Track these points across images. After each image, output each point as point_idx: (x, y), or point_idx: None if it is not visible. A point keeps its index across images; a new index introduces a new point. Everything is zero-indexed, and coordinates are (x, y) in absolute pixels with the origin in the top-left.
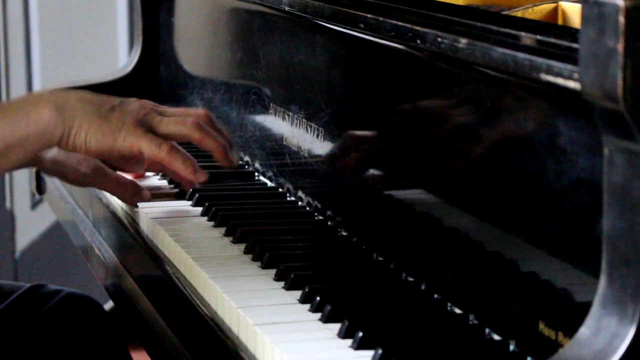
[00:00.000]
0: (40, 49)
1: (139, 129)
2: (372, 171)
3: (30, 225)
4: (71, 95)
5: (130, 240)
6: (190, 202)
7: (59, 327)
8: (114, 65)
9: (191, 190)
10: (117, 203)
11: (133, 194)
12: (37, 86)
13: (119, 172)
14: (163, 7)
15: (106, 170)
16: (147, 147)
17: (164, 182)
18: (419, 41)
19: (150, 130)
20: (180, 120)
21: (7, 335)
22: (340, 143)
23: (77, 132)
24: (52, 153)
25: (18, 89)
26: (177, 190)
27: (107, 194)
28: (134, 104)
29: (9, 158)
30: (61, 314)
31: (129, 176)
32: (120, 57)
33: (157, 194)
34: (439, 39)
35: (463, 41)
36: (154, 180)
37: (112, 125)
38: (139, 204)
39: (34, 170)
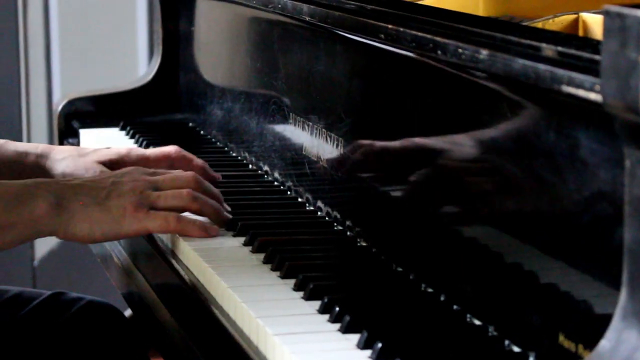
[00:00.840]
0: (60, 58)
1: (139, 212)
2: (392, 182)
3: None
4: (67, 186)
5: (149, 249)
6: None
7: (80, 334)
8: (133, 74)
9: None
10: None
11: None
12: (56, 95)
13: None
14: (183, 16)
15: (112, 162)
16: (155, 226)
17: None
18: (439, 52)
19: (150, 207)
20: (176, 194)
21: (28, 342)
22: (359, 153)
23: (78, 225)
24: (62, 167)
25: (38, 98)
26: None
27: None
28: (127, 184)
29: (3, 238)
30: (82, 322)
31: None
32: (140, 66)
33: None
34: (460, 50)
35: (484, 52)
36: None
37: (113, 215)
38: None
39: None
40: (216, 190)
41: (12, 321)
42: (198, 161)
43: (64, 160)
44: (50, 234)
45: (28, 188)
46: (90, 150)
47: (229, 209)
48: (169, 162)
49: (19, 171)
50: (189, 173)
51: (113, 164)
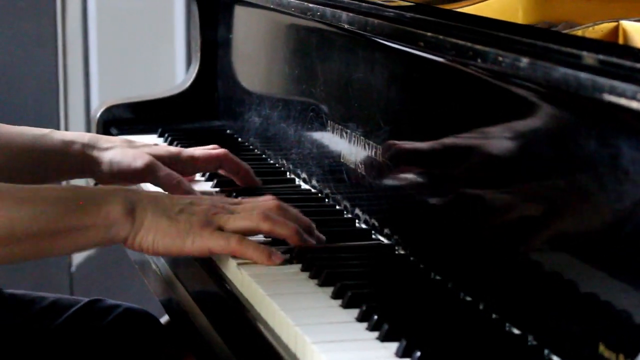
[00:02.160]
0: (98, 65)
1: (205, 230)
2: (430, 189)
3: None
4: (143, 195)
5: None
6: None
7: (118, 342)
8: (170, 81)
9: None
10: None
11: (183, 173)
12: (94, 102)
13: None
14: (221, 23)
15: (159, 166)
16: (216, 246)
17: (215, 189)
18: (479, 60)
19: (218, 228)
20: (246, 215)
21: (66, 349)
22: (397, 161)
23: (144, 235)
24: (109, 155)
25: (76, 105)
26: None
27: None
28: (204, 204)
29: (69, 240)
30: (120, 329)
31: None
32: (177, 73)
33: None
34: (500, 58)
35: (524, 60)
36: (203, 185)
37: (179, 229)
38: None
39: (92, 184)
40: (305, 219)
41: (50, 328)
42: (244, 166)
43: (112, 148)
44: (122, 241)
45: (104, 191)
46: (140, 143)
47: (323, 237)
48: (217, 165)
49: (66, 160)
50: (272, 202)
51: (162, 161)
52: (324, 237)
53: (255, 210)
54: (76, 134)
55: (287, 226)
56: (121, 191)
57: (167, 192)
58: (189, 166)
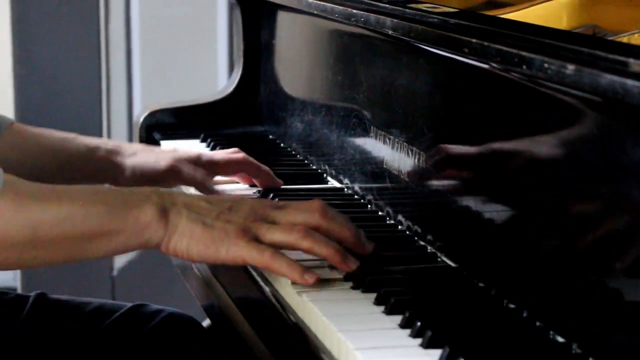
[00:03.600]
0: (140, 70)
1: (241, 239)
2: (474, 196)
3: None
4: (179, 199)
5: None
6: None
7: (161, 347)
8: (213, 86)
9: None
10: None
11: (207, 189)
12: (137, 106)
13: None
14: (264, 29)
15: (182, 167)
16: (249, 257)
17: (250, 191)
18: (524, 67)
19: (255, 238)
20: (286, 229)
21: (110, 354)
22: (441, 167)
23: (178, 240)
24: (132, 161)
25: (119, 109)
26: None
27: None
28: (244, 209)
29: (99, 245)
30: (163, 334)
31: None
32: (220, 78)
33: None
34: (546, 65)
35: (570, 67)
36: (239, 186)
37: (214, 237)
38: None
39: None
40: (352, 227)
41: (95, 333)
42: (264, 168)
43: (134, 155)
44: (156, 246)
45: (136, 193)
46: (160, 149)
47: (371, 246)
48: (236, 169)
49: (89, 165)
50: (316, 206)
51: (184, 165)
52: (372, 245)
53: (297, 224)
54: (100, 140)
55: (327, 246)
56: (154, 193)
57: (196, 184)
58: (209, 170)
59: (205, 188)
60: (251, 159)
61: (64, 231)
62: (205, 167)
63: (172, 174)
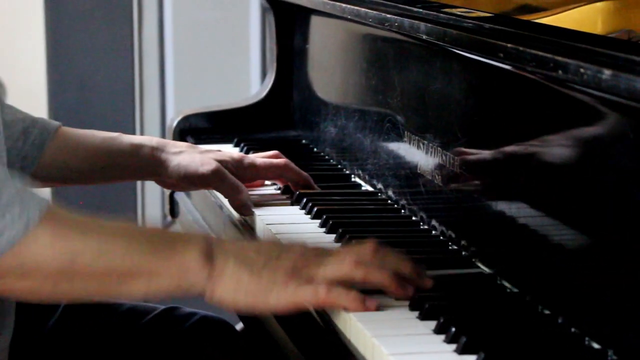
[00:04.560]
0: (174, 74)
1: (291, 284)
2: (508, 201)
3: None
4: (228, 246)
5: None
6: (305, 212)
7: (194, 349)
8: (245, 91)
9: (313, 206)
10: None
11: (242, 203)
12: (170, 111)
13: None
14: (298, 33)
15: (226, 173)
16: (303, 298)
17: (279, 191)
18: (560, 71)
19: (306, 281)
20: (337, 263)
21: (143, 356)
22: (475, 172)
23: (224, 289)
24: (178, 159)
25: (152, 114)
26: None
27: (240, 222)
28: (292, 257)
29: (138, 285)
30: (196, 336)
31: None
32: (252, 83)
33: (273, 203)
34: (582, 70)
35: (607, 72)
36: (269, 189)
37: (261, 286)
38: (255, 211)
39: (167, 193)
40: (407, 263)
41: (127, 335)
42: (304, 175)
43: (180, 153)
44: (200, 294)
45: (184, 236)
46: (205, 148)
47: (430, 280)
48: (277, 174)
49: (134, 162)
50: (368, 246)
51: (225, 167)
52: (431, 281)
53: (347, 257)
54: (144, 137)
55: (382, 272)
56: (203, 238)
57: (228, 200)
58: (251, 173)
59: (241, 205)
60: (292, 165)
61: (103, 265)
62: (246, 170)
63: (214, 180)
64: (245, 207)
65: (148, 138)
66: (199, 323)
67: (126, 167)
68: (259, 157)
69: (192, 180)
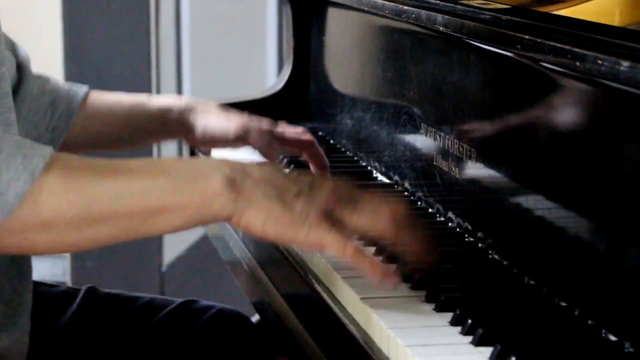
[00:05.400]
0: (190, 67)
1: (323, 223)
2: (525, 193)
3: (177, 239)
4: (254, 171)
5: (278, 257)
6: None
7: (211, 343)
8: (262, 83)
9: None
10: None
11: (269, 147)
12: None
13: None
14: (314, 26)
15: (251, 129)
16: (331, 244)
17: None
18: (578, 63)
19: (338, 222)
20: (372, 214)
21: (160, 349)
22: (491, 164)
23: (253, 216)
24: (205, 117)
25: None
26: None
27: None
28: (325, 189)
29: (162, 221)
30: (213, 330)
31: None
32: (269, 75)
33: None
34: (600, 61)
35: (625, 64)
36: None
37: (294, 216)
38: None
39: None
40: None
41: (145, 328)
42: (324, 158)
43: (207, 112)
44: (225, 219)
45: (205, 164)
46: (233, 111)
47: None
48: (302, 148)
49: (163, 125)
50: (401, 205)
51: (252, 129)
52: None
53: (383, 211)
54: (172, 100)
55: (413, 237)
56: (225, 163)
57: (261, 153)
58: (277, 143)
59: (272, 150)
60: (318, 148)
61: (123, 206)
62: (272, 140)
63: (240, 136)
64: (275, 157)
65: (176, 100)
66: (216, 316)
67: (154, 131)
68: (289, 131)
69: (218, 139)
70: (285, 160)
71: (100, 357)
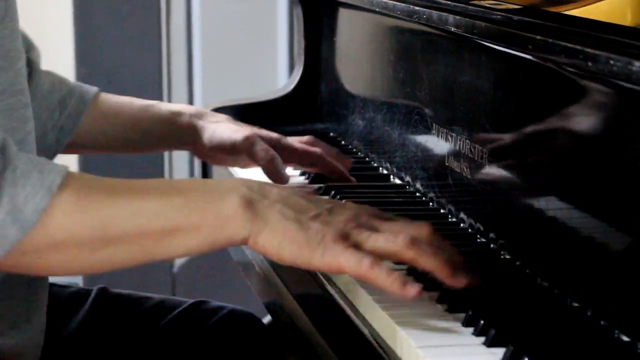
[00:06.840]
0: (201, 68)
1: (339, 244)
2: (537, 193)
3: None
4: (272, 192)
5: None
6: None
7: (222, 343)
8: (273, 84)
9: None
10: None
11: (276, 170)
12: (197, 104)
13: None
14: (325, 26)
15: (258, 140)
16: (346, 263)
17: (307, 180)
18: (589, 63)
19: (354, 245)
20: (390, 236)
21: (171, 350)
22: (504, 164)
23: (269, 237)
24: (213, 127)
25: None
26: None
27: None
28: (346, 213)
29: (176, 242)
30: (224, 331)
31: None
32: (280, 76)
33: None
34: (612, 62)
35: (637, 64)
36: (298, 178)
37: (309, 239)
38: None
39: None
40: (457, 255)
41: (156, 328)
42: (339, 167)
43: (218, 122)
44: (242, 241)
45: (222, 184)
46: (243, 124)
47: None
48: (312, 161)
49: (172, 130)
50: (425, 228)
51: (259, 145)
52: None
53: (402, 233)
54: (182, 105)
55: (435, 257)
56: (243, 184)
57: (260, 167)
58: (286, 156)
59: (274, 171)
60: (328, 158)
61: (136, 227)
62: (281, 152)
63: (245, 147)
64: (279, 175)
65: (186, 106)
66: (227, 317)
67: (163, 136)
68: (297, 143)
69: (224, 148)
70: (309, 176)
71: (112, 357)
